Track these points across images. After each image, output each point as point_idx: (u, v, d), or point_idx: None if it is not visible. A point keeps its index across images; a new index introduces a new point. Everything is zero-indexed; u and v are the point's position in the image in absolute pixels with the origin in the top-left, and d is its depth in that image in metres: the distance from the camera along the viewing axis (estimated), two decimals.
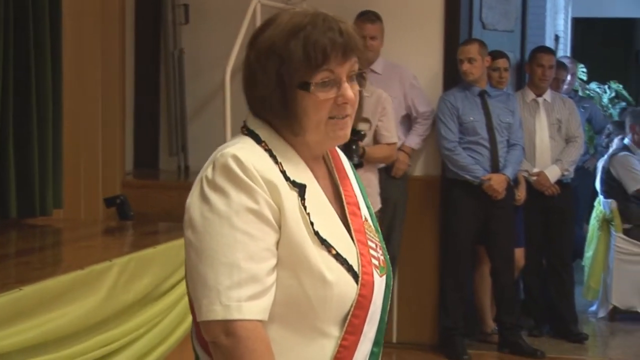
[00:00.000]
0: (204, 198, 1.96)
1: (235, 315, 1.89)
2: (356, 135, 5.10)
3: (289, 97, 2.00)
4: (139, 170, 6.60)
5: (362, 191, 2.20)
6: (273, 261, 1.95)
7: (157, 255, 4.25)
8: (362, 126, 5.30)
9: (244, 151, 1.98)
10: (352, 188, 2.17)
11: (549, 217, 6.89)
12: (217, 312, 1.90)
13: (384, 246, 2.17)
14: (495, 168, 6.36)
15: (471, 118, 6.35)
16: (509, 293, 6.54)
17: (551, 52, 7.09)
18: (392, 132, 5.89)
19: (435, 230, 6.64)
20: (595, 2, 12.38)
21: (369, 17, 6.28)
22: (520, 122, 6.67)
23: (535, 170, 6.84)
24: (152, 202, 5.91)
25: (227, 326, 1.90)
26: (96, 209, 5.69)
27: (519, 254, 6.67)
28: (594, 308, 7.84)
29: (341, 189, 2.14)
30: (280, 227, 1.96)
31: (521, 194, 6.61)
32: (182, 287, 4.40)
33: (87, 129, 5.67)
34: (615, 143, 8.06)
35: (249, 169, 1.95)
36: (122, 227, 5.25)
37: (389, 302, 2.16)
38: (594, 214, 8.06)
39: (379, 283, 2.07)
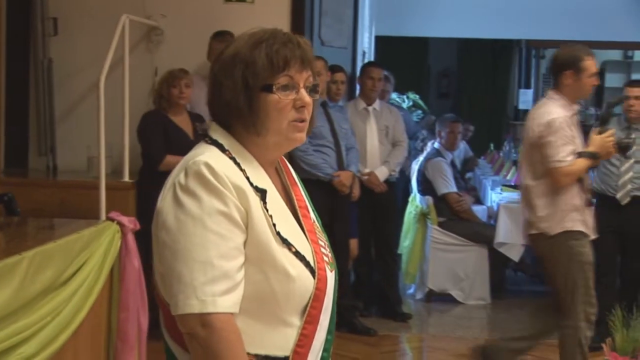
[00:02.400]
0: (178, 202, 2.01)
1: (211, 309, 1.94)
2: None
3: (253, 98, 2.05)
4: (9, 169, 6.41)
5: (308, 197, 2.27)
6: (242, 259, 2.01)
7: (58, 249, 4.20)
8: None
9: (215, 159, 2.03)
10: (302, 193, 2.24)
11: (377, 211, 7.09)
12: (193, 306, 1.95)
13: (330, 245, 2.25)
14: (341, 166, 6.53)
15: (318, 124, 6.46)
16: (344, 278, 6.68)
17: (380, 66, 7.29)
18: None
19: None
20: (395, 23, 12.71)
21: (224, 37, 6.28)
22: (352, 128, 6.85)
23: (367, 170, 7.02)
24: (23, 200, 5.77)
25: (203, 319, 1.95)
26: None
27: (354, 244, 6.82)
28: (411, 291, 8.10)
29: (292, 194, 2.21)
30: (247, 228, 2.02)
31: (356, 191, 6.78)
32: (79, 277, 4.37)
33: None
34: (428, 147, 8.34)
35: (220, 175, 2.00)
36: (13, 223, 5.11)
37: (337, 295, 2.23)
38: (409, 209, 8.31)
39: (331, 277, 2.15)
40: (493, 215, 8.16)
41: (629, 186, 6.45)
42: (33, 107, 6.58)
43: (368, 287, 7.36)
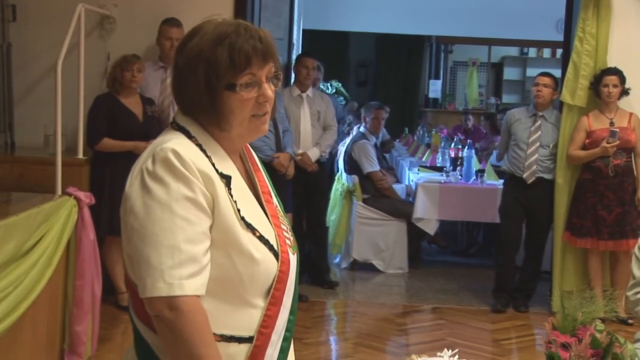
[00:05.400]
0: (145, 188, 1.86)
1: (178, 292, 1.81)
2: None
3: (216, 97, 1.91)
4: None
5: (270, 182, 2.14)
6: (208, 243, 1.88)
7: (20, 222, 4.04)
8: None
9: (182, 146, 1.89)
10: (265, 179, 2.12)
11: (309, 188, 6.98)
12: (161, 289, 1.81)
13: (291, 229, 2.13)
14: (279, 148, 6.40)
15: None
16: None
17: (313, 56, 7.16)
18: None
19: None
20: (320, 17, 12.62)
21: (174, 22, 6.18)
22: (287, 113, 6.73)
23: (300, 151, 6.90)
24: None
25: (171, 301, 1.82)
26: None
27: (288, 218, 6.68)
28: (337, 260, 8.03)
29: (256, 179, 2.08)
30: (213, 213, 1.89)
31: (290, 170, 6.65)
32: (39, 249, 4.20)
33: None
34: (354, 130, 8.26)
35: (187, 161, 1.86)
36: None
37: (299, 277, 2.12)
38: (335, 186, 8.25)
39: (293, 260, 2.04)
40: (411, 193, 8.13)
41: (534, 167, 6.48)
42: None
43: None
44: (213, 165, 1.92)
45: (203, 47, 1.91)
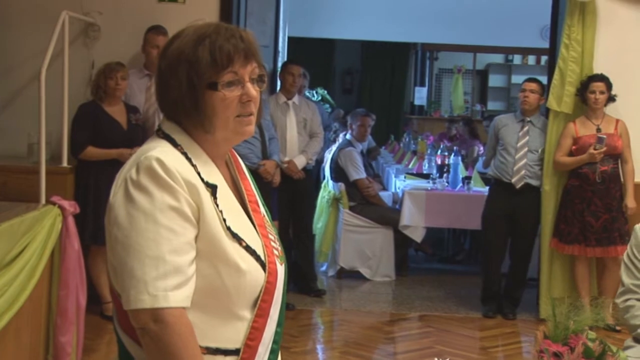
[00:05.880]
0: (129, 197, 1.81)
1: (163, 304, 1.77)
2: None
3: (199, 97, 1.87)
4: None
5: (257, 190, 2.09)
6: (193, 254, 1.83)
7: (3, 232, 3.99)
8: None
9: (166, 155, 1.85)
10: (252, 187, 2.06)
11: (296, 196, 6.94)
12: (145, 302, 1.77)
13: (279, 238, 2.08)
14: (265, 156, 6.36)
15: None
16: None
17: (299, 64, 7.12)
18: None
19: None
20: (305, 25, 12.60)
21: (160, 30, 6.16)
22: (272, 120, 6.69)
23: (286, 159, 6.86)
24: None
25: (155, 314, 1.77)
26: None
27: (275, 226, 6.64)
28: (324, 268, 7.98)
29: (242, 188, 2.03)
30: (198, 223, 1.84)
31: (277, 178, 6.61)
32: (23, 258, 4.14)
33: None
34: (340, 137, 8.23)
35: (171, 171, 1.82)
36: None
37: (287, 288, 2.07)
38: (321, 194, 8.22)
39: (281, 271, 1.98)
40: (398, 201, 8.10)
41: (523, 172, 6.47)
42: None
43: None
44: (198, 174, 1.88)
45: (184, 49, 1.88)
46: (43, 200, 4.99)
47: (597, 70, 6.31)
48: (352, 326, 6.37)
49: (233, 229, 1.88)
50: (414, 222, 7.62)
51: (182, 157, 1.88)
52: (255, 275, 1.90)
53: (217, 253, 1.85)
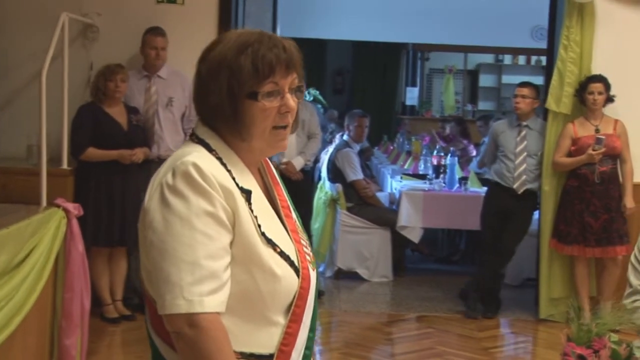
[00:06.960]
0: (165, 202, 1.82)
1: (198, 309, 1.77)
2: None
3: (238, 105, 1.86)
4: None
5: (289, 196, 2.10)
6: (228, 259, 1.83)
7: (10, 235, 3.95)
8: None
9: (202, 159, 1.85)
10: (284, 193, 2.07)
11: (294, 197, 6.86)
12: (180, 306, 1.77)
13: (311, 244, 2.09)
14: None
15: None
16: None
17: None
18: None
19: None
20: (296, 25, 12.59)
21: (159, 31, 6.15)
22: None
23: (285, 160, 6.87)
24: None
25: (191, 319, 1.77)
26: None
27: None
28: (322, 269, 7.96)
29: (275, 193, 2.04)
30: (233, 229, 1.84)
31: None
32: (30, 262, 4.13)
33: None
34: (337, 138, 8.23)
35: (208, 176, 1.82)
36: None
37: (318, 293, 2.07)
38: (318, 194, 8.21)
39: (313, 276, 1.99)
40: (394, 201, 8.11)
41: (524, 177, 6.50)
42: None
43: None
44: (233, 179, 1.88)
45: (226, 55, 1.87)
46: (44, 202, 4.98)
47: (596, 71, 6.34)
48: (352, 327, 6.38)
49: (267, 234, 1.89)
50: (411, 222, 7.63)
51: (217, 162, 1.88)
52: (290, 280, 1.90)
53: (252, 258, 1.85)
